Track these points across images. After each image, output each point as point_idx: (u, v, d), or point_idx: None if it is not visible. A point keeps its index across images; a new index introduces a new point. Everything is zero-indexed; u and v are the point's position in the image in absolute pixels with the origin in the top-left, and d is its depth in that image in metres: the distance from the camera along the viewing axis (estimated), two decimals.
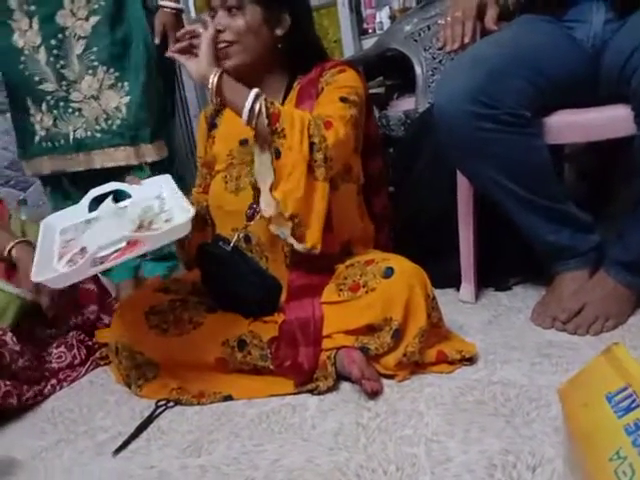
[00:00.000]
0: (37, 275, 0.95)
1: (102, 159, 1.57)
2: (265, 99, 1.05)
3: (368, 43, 2.30)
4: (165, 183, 1.19)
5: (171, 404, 1.11)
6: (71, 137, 1.56)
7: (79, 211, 1.18)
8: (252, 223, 1.17)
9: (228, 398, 1.09)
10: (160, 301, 1.18)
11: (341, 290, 1.11)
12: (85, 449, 1.01)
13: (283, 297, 1.17)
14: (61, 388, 1.27)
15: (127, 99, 1.54)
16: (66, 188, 1.67)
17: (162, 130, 1.63)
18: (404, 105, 1.82)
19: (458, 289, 1.39)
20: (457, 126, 1.08)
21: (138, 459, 0.95)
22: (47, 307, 1.26)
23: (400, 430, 0.90)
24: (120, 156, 1.56)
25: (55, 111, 1.55)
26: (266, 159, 1.07)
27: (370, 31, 2.42)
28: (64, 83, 1.53)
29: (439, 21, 1.24)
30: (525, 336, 1.14)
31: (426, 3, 1.79)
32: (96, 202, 1.18)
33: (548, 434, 0.83)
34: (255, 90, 1.04)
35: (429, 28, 1.76)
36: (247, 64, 1.18)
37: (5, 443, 1.08)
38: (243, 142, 1.22)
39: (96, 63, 1.52)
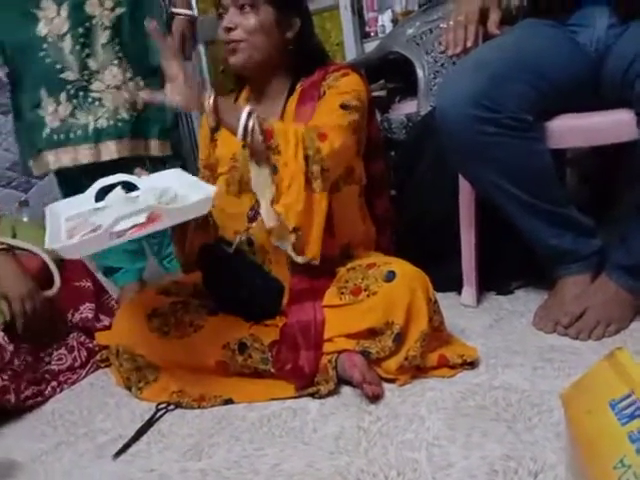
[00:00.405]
0: (52, 243, 0.92)
1: (118, 149, 1.57)
2: (258, 116, 1.04)
3: (370, 46, 2.30)
4: (176, 175, 1.17)
5: (172, 407, 1.10)
6: (91, 127, 1.55)
7: (85, 200, 1.15)
8: (254, 225, 1.17)
9: (229, 401, 1.09)
10: (161, 304, 1.18)
11: (342, 294, 1.11)
12: (85, 452, 1.01)
13: (285, 300, 1.17)
14: (61, 390, 1.27)
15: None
16: (83, 183, 1.66)
17: (172, 130, 1.65)
18: (406, 108, 1.81)
19: (459, 293, 1.38)
20: (459, 130, 1.08)
21: (138, 462, 0.95)
22: (19, 324, 1.23)
23: (401, 434, 0.90)
24: (132, 147, 1.58)
25: (74, 100, 1.54)
26: (264, 173, 1.07)
27: (372, 34, 2.42)
28: (86, 72, 1.53)
29: (441, 25, 1.25)
30: (527, 340, 1.14)
31: (428, 6, 1.79)
32: (101, 194, 1.16)
33: (550, 440, 0.82)
34: (247, 108, 1.04)
35: (431, 31, 1.76)
36: (254, 63, 1.18)
37: (5, 445, 1.08)
38: (245, 145, 1.22)
39: (120, 54, 1.54)
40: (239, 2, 1.15)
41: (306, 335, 1.08)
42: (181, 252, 1.26)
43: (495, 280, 1.39)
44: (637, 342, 1.07)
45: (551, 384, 0.97)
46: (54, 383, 1.27)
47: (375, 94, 1.86)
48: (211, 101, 1.03)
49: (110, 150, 1.56)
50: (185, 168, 1.32)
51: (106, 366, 1.34)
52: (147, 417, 1.08)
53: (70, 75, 1.51)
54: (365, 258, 1.19)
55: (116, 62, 1.54)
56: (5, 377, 1.13)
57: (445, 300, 1.30)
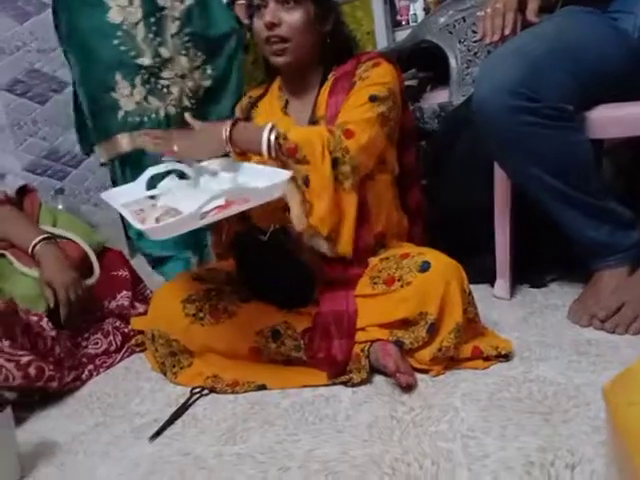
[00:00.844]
0: (142, 224, 0.94)
1: None
2: (278, 134, 1.05)
3: (401, 35, 2.28)
4: (228, 162, 1.17)
5: (206, 392, 1.12)
6: (162, 113, 1.60)
7: (137, 188, 1.17)
8: (287, 214, 1.18)
9: (262, 387, 1.10)
10: (196, 290, 1.19)
11: (375, 283, 1.11)
12: (122, 433, 1.04)
13: (318, 288, 1.17)
14: (98, 374, 1.30)
15: (208, 82, 1.65)
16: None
17: (229, 118, 1.70)
18: (438, 98, 1.79)
19: (492, 285, 1.37)
20: (497, 119, 1.07)
21: (174, 445, 0.97)
22: (64, 312, 1.26)
23: (435, 425, 0.90)
24: None
25: (147, 86, 1.59)
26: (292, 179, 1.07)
27: (404, 23, 2.39)
28: (158, 60, 1.58)
29: (478, 13, 1.22)
30: (562, 334, 1.13)
31: None
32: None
33: (587, 433, 0.81)
34: (267, 128, 1.05)
35: (464, 20, 1.73)
36: (298, 60, 1.19)
37: (47, 426, 1.11)
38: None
39: (189, 44, 1.60)
40: None
41: (339, 324, 1.09)
42: (219, 241, 1.28)
43: (529, 273, 1.38)
44: None
45: (587, 378, 0.95)
46: (91, 367, 1.30)
47: (406, 83, 1.84)
48: (227, 132, 1.06)
49: None
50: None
51: (141, 351, 1.37)
52: (182, 401, 1.10)
53: (145, 61, 1.56)
54: (398, 248, 1.19)
55: (184, 52, 1.60)
56: (51, 368, 1.16)
57: (477, 292, 1.27)
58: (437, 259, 1.06)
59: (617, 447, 0.60)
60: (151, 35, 1.55)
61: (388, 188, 1.25)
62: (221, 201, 0.96)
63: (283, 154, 1.06)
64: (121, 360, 1.36)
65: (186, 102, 1.62)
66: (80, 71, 1.60)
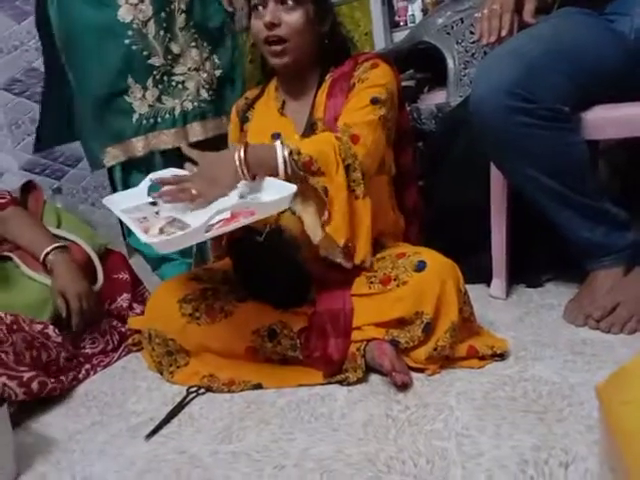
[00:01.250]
0: (148, 238, 0.93)
1: (204, 130, 1.62)
2: (290, 153, 1.03)
3: (399, 36, 2.28)
4: None
5: (202, 391, 1.12)
6: (177, 111, 1.58)
7: (138, 194, 1.17)
8: (283, 215, 1.18)
9: (258, 387, 1.10)
10: (193, 289, 1.19)
11: (372, 283, 1.11)
12: (118, 432, 1.04)
13: (314, 288, 1.17)
14: (95, 373, 1.30)
15: (219, 72, 1.66)
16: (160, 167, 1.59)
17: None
18: (435, 98, 1.80)
19: (488, 285, 1.38)
20: (494, 120, 1.07)
21: (170, 444, 0.97)
22: (76, 321, 1.27)
23: (430, 424, 0.90)
24: (215, 126, 1.65)
25: (160, 86, 1.57)
26: (303, 192, 1.06)
27: (402, 24, 2.39)
28: (169, 57, 1.56)
29: (475, 14, 1.23)
30: (557, 333, 1.13)
31: None
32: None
33: (581, 432, 0.82)
34: (280, 156, 1.02)
35: (462, 21, 1.73)
36: (296, 61, 1.19)
37: (46, 422, 1.11)
38: (275, 136, 1.22)
39: (196, 36, 1.60)
40: None
41: (335, 323, 1.09)
42: (219, 245, 1.30)
43: (525, 272, 1.38)
44: None
45: (582, 377, 0.96)
46: (88, 366, 1.30)
47: (404, 84, 1.85)
48: (241, 157, 1.02)
49: (196, 131, 1.61)
50: None
51: (137, 350, 1.37)
52: (178, 400, 1.10)
53: (156, 61, 1.54)
54: (394, 248, 1.19)
55: (193, 44, 1.59)
56: (53, 380, 1.16)
57: (473, 292, 1.28)
58: (433, 259, 1.06)
59: (610, 446, 0.60)
60: (162, 32, 1.53)
61: (385, 188, 1.25)
62: (227, 214, 0.96)
63: (300, 169, 1.04)
64: (118, 359, 1.36)
65: (204, 94, 1.61)
66: (84, 73, 1.55)
